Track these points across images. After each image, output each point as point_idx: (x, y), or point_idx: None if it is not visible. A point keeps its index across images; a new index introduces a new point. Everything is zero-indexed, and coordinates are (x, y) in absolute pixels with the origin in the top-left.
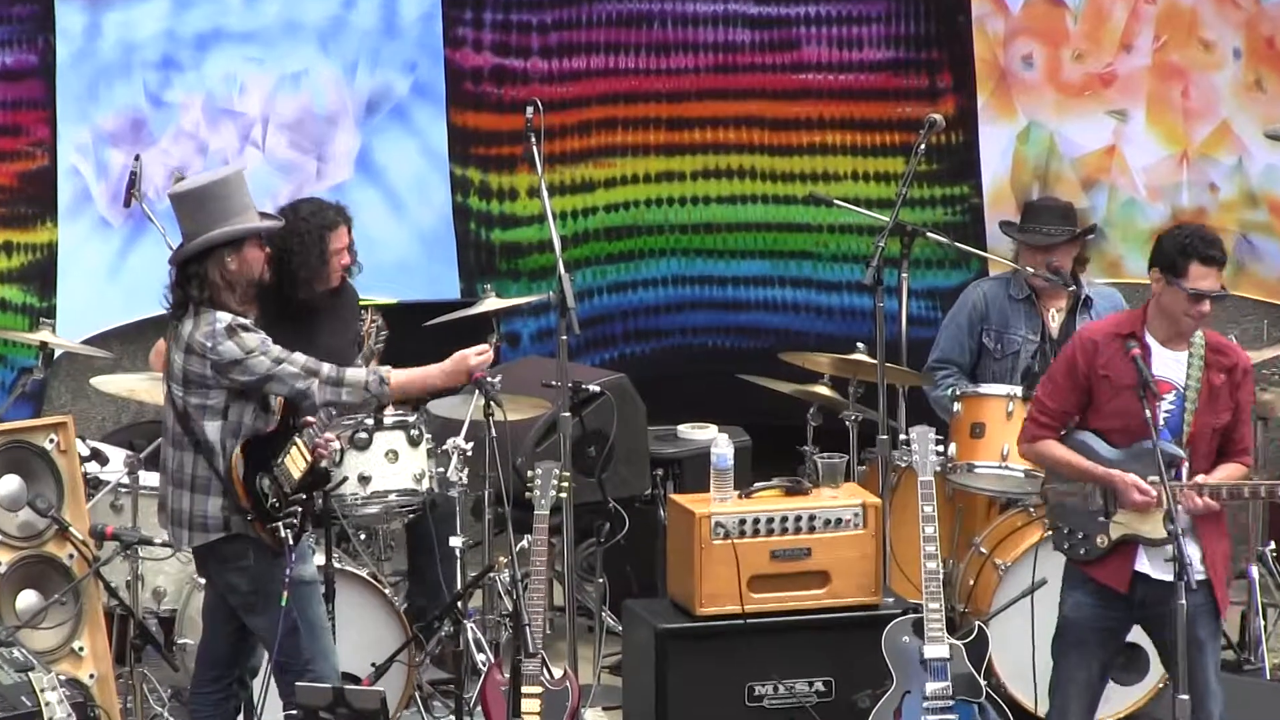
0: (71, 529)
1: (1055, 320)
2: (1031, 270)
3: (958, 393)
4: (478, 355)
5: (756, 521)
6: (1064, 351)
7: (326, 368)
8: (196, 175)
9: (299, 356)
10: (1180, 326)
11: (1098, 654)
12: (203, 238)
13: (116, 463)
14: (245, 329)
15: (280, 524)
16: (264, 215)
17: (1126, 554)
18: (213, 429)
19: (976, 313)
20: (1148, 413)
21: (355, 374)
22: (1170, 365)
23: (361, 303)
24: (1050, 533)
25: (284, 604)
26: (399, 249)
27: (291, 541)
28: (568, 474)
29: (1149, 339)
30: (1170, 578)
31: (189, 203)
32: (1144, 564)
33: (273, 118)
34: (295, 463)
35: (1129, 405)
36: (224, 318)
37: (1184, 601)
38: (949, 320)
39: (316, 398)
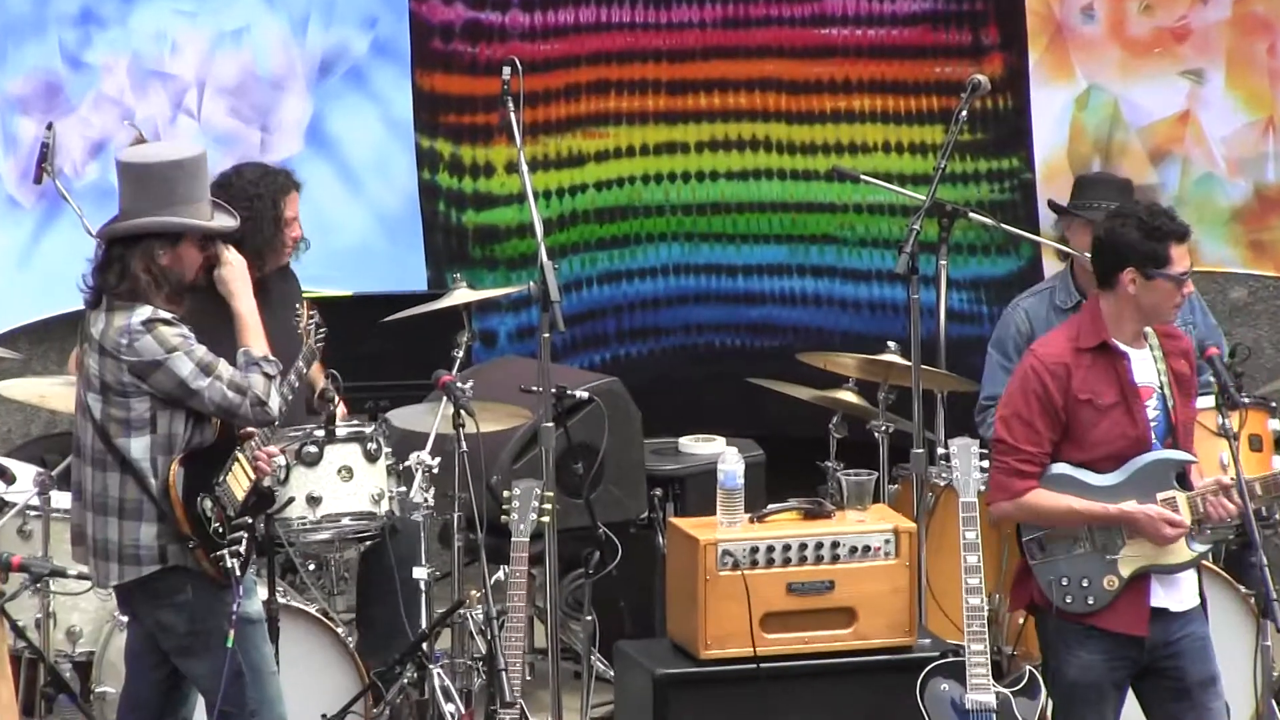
0: None
1: None
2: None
3: None
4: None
5: (771, 550)
6: (1022, 384)
7: (257, 378)
8: (154, 145)
9: (224, 369)
10: (1163, 318)
11: (1114, 708)
12: (135, 221)
13: (25, 481)
14: (166, 323)
15: (225, 552)
16: (218, 208)
17: (1139, 590)
18: (140, 445)
19: (1021, 337)
20: (1223, 419)
21: (258, 382)
22: (1142, 368)
23: (306, 294)
24: (1041, 586)
25: (230, 645)
26: (356, 233)
27: (238, 572)
28: (551, 494)
29: (1121, 346)
30: (1187, 606)
31: (132, 176)
32: (1159, 597)
33: (209, 81)
34: (238, 481)
35: (1115, 425)
36: (142, 311)
37: (1269, 643)
38: (992, 350)
39: (252, 418)
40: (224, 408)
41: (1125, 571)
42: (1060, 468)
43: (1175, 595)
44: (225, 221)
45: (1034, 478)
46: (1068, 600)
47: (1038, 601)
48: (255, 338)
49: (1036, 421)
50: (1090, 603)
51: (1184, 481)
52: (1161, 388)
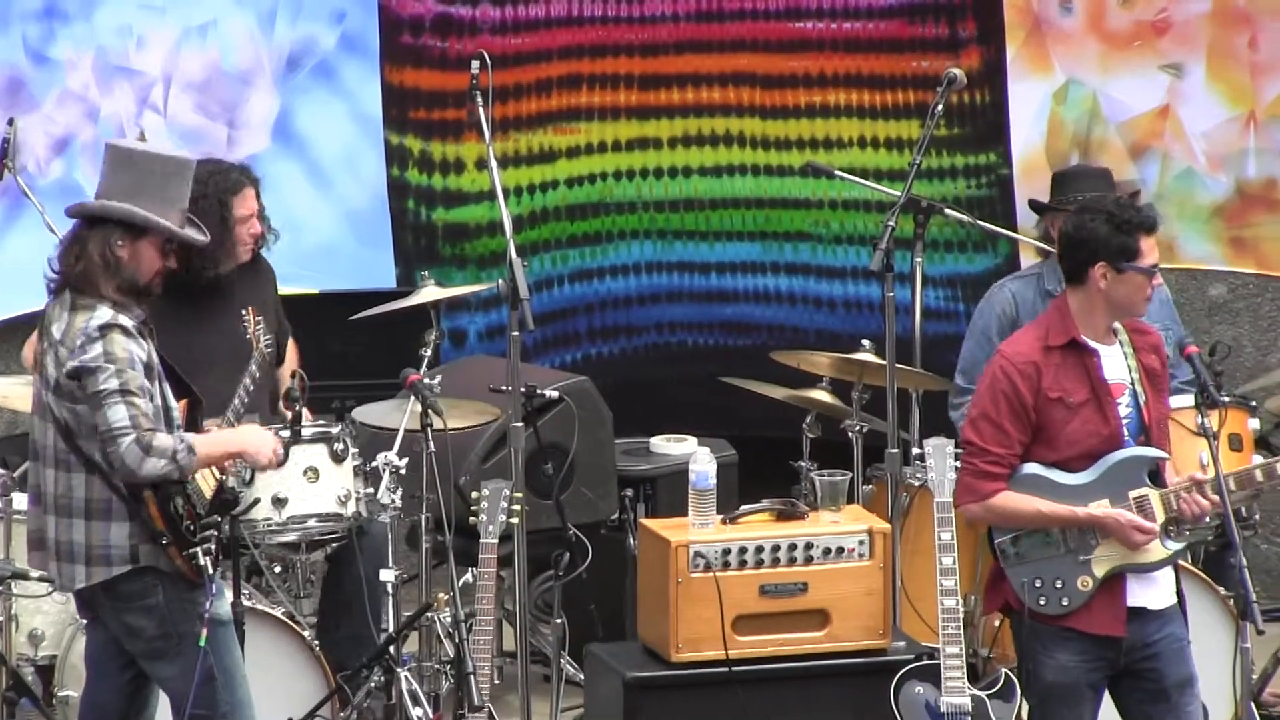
0: None
1: None
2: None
3: None
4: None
5: (743, 551)
6: (991, 385)
7: (146, 430)
8: (152, 143)
9: (144, 405)
10: (1135, 312)
11: (1092, 709)
12: (102, 203)
13: None
14: (125, 333)
15: (199, 550)
16: (192, 222)
17: (1115, 590)
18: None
19: (1006, 319)
20: (1202, 419)
21: (163, 441)
22: (1113, 364)
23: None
24: (1015, 588)
25: (203, 645)
26: (324, 231)
27: (211, 570)
28: (520, 495)
29: (1090, 343)
30: (1166, 604)
31: (112, 159)
32: (1136, 596)
33: (176, 77)
34: (205, 480)
35: (1086, 423)
36: (103, 314)
37: (1248, 645)
38: (973, 329)
39: (122, 456)
40: (111, 432)
41: (1099, 572)
42: (1030, 468)
43: (1153, 593)
44: (195, 234)
45: (1002, 479)
46: (1041, 602)
47: (1012, 604)
48: (203, 449)
49: (1005, 423)
50: (1065, 604)
51: (1157, 479)
52: (1133, 384)
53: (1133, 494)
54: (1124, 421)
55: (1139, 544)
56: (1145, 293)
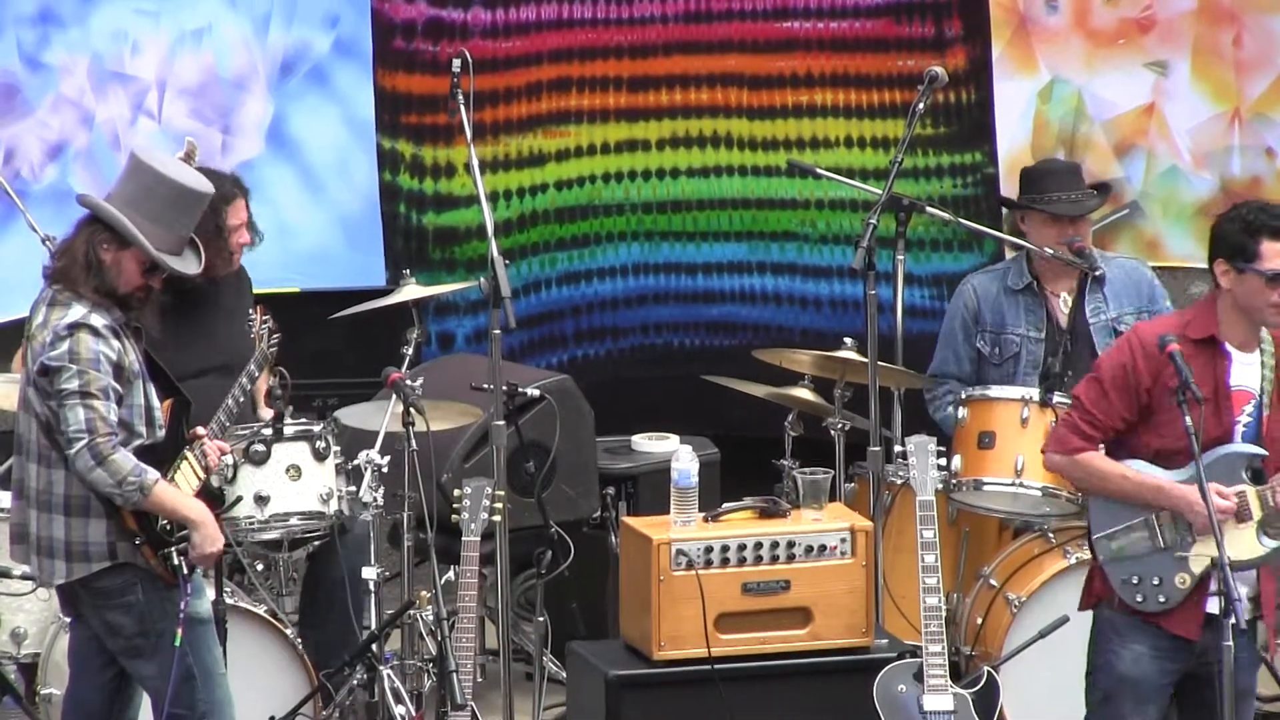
0: None
1: (1064, 308)
2: (1051, 251)
3: (962, 396)
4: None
5: (725, 549)
6: (1116, 355)
7: (103, 436)
8: (175, 161)
9: (104, 409)
10: (1263, 319)
11: (1157, 711)
12: (101, 203)
13: None
14: (94, 333)
15: (173, 550)
16: (192, 246)
17: (1200, 593)
18: None
19: (969, 313)
20: (1188, 420)
21: (120, 462)
22: (1246, 371)
23: (259, 293)
24: (1114, 585)
25: (178, 644)
26: (316, 235)
27: (186, 571)
28: (502, 493)
29: (1226, 345)
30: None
31: (129, 168)
32: (1214, 603)
33: (170, 82)
34: (187, 480)
35: (1199, 421)
36: (76, 312)
37: (1229, 643)
38: (943, 326)
39: (73, 460)
40: (66, 435)
41: (1197, 569)
42: (1131, 463)
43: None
44: (181, 265)
45: (1092, 442)
46: (1140, 599)
47: (1102, 597)
48: (157, 497)
49: (1111, 392)
50: (1163, 601)
51: (1260, 478)
52: (1261, 394)
53: (1218, 490)
54: (1240, 429)
55: (1222, 511)
56: (1267, 298)
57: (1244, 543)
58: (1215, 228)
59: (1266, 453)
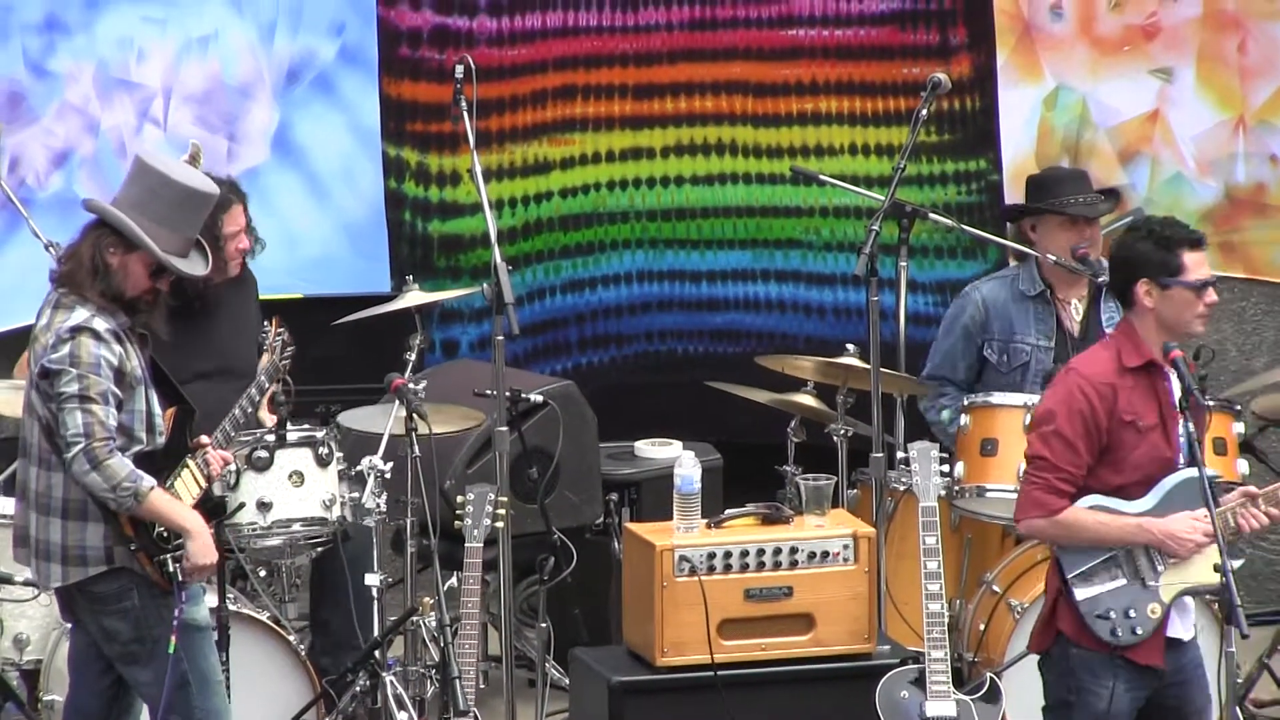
0: None
1: (1076, 315)
2: (1055, 259)
3: (965, 403)
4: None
5: (728, 555)
6: (1067, 402)
7: (100, 441)
8: (180, 164)
9: (103, 413)
10: (1189, 330)
11: None
12: (108, 207)
13: None
14: (96, 337)
15: (169, 557)
16: (199, 248)
17: (1163, 621)
18: None
19: (975, 322)
20: (1191, 427)
21: (116, 467)
22: (1175, 387)
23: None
24: (1088, 623)
25: (172, 651)
26: (321, 243)
27: (181, 578)
28: (505, 499)
29: (1166, 368)
30: (1193, 634)
31: (134, 171)
32: (1175, 627)
33: (176, 89)
34: (188, 487)
35: (1153, 448)
36: (79, 315)
37: (1233, 649)
38: (943, 329)
39: (70, 463)
40: (64, 438)
41: (1166, 597)
42: (1092, 499)
43: (1186, 623)
44: (188, 266)
45: (1069, 498)
46: (1117, 634)
47: (1071, 637)
48: (153, 505)
49: (1079, 442)
50: (1137, 633)
51: (1216, 500)
52: (1183, 409)
53: (1191, 516)
54: (1182, 445)
55: (1195, 546)
56: (1194, 309)
57: (1208, 568)
58: (1126, 251)
59: (1220, 474)
